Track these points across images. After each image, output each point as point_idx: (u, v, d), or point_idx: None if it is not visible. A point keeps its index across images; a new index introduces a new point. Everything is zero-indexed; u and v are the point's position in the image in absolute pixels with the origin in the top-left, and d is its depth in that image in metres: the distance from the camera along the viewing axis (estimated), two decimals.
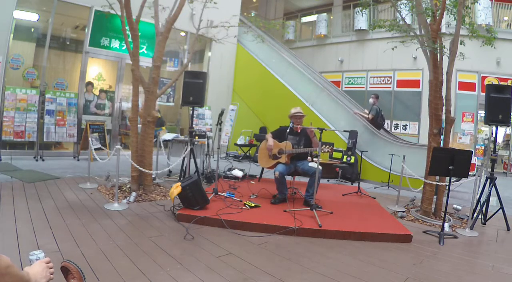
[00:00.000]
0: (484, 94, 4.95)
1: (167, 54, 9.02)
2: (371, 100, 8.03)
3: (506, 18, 10.57)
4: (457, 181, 5.61)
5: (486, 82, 9.82)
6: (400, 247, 3.48)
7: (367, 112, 8.08)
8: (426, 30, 4.67)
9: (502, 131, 10.37)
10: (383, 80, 11.62)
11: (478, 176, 4.30)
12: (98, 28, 7.46)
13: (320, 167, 4.23)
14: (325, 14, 13.48)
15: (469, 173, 3.97)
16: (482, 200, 4.48)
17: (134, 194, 4.46)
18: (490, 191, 4.44)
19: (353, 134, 7.47)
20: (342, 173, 6.90)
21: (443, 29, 5.82)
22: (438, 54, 4.59)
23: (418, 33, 4.92)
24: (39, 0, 7.22)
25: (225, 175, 6.11)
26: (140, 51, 5.23)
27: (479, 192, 4.50)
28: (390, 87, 11.47)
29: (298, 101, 8.64)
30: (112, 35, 7.70)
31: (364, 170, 7.35)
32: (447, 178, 3.88)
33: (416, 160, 6.22)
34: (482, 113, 9.53)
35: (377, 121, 7.86)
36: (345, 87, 12.30)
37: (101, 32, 7.53)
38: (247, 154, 9.35)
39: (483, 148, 10.30)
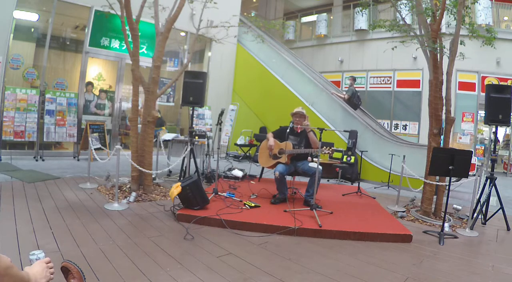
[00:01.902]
0: (484, 94, 4.96)
1: (167, 54, 9.02)
2: (348, 81, 8.69)
3: (506, 18, 10.57)
4: (457, 181, 5.61)
5: (486, 82, 9.82)
6: (400, 247, 3.48)
7: (344, 93, 8.61)
8: (426, 30, 4.67)
9: (501, 131, 10.38)
10: (383, 80, 11.62)
11: (478, 176, 4.30)
12: (98, 28, 7.46)
13: (320, 167, 4.23)
14: (325, 14, 13.48)
15: (469, 173, 3.97)
16: (482, 200, 4.48)
17: (134, 194, 4.46)
18: (490, 191, 4.44)
19: (353, 134, 7.47)
20: (342, 173, 6.90)
21: (443, 29, 5.83)
22: (438, 54, 4.59)
23: (418, 33, 4.92)
24: (39, 0, 7.22)
25: (225, 175, 6.11)
26: (140, 51, 5.23)
27: (479, 192, 4.50)
28: (390, 87, 11.47)
29: (298, 101, 8.64)
30: (112, 35, 7.70)
31: (364, 170, 7.35)
32: (447, 178, 3.88)
33: (416, 160, 6.23)
34: (482, 113, 9.53)
35: (353, 101, 8.44)
36: (345, 87, 12.24)
37: (101, 32, 7.53)
38: (247, 154, 9.35)
39: (483, 147, 10.30)
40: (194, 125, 5.89)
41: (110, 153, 5.01)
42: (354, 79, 8.83)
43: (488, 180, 4.49)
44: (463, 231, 4.07)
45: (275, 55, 9.98)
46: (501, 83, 9.26)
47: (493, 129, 4.66)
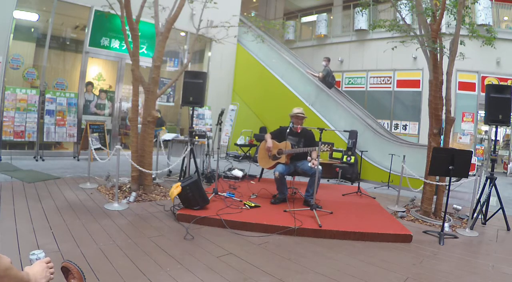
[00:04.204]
0: (484, 94, 4.96)
1: (167, 54, 9.02)
2: (323, 62, 9.09)
3: (506, 18, 10.56)
4: (457, 181, 5.61)
5: (486, 82, 9.82)
6: (400, 247, 3.48)
7: (319, 72, 9.06)
8: (426, 30, 4.67)
9: (499, 131, 10.38)
10: (383, 80, 11.62)
11: (478, 176, 4.30)
12: (98, 28, 7.45)
13: (320, 167, 4.23)
14: (325, 14, 13.48)
15: (469, 173, 3.97)
16: (482, 200, 4.48)
17: (134, 194, 4.46)
18: (490, 191, 4.44)
19: (353, 134, 7.47)
20: (342, 173, 6.91)
21: (443, 29, 5.83)
22: (438, 54, 4.59)
23: (418, 33, 4.92)
24: (39, 0, 7.22)
25: (225, 175, 6.11)
26: (140, 51, 5.23)
27: (479, 192, 4.50)
28: (390, 87, 11.47)
29: (298, 101, 8.64)
30: (112, 35, 7.70)
31: (364, 170, 7.35)
32: (447, 178, 3.88)
33: (416, 160, 6.23)
34: (482, 113, 9.53)
35: (327, 80, 8.89)
36: (345, 87, 12.30)
37: (101, 32, 7.53)
38: (247, 154, 9.35)
39: (482, 147, 10.30)
40: (194, 125, 5.89)
41: (110, 153, 5.01)
42: (328, 60, 9.24)
43: (488, 180, 4.49)
44: (463, 231, 4.07)
45: (275, 55, 9.97)
46: (501, 83, 9.26)
47: (493, 130, 4.66)
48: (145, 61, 7.23)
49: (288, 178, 5.01)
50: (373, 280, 2.69)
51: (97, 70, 8.66)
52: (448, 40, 4.74)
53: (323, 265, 2.90)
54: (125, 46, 6.66)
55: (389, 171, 6.78)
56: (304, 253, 3.14)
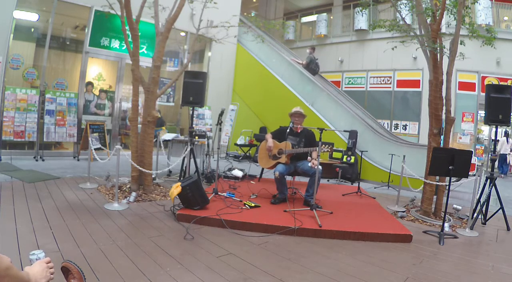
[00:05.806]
0: (484, 94, 4.96)
1: (167, 54, 9.02)
2: (307, 50, 9.72)
3: (506, 18, 10.57)
4: (457, 181, 5.61)
5: (486, 82, 9.82)
6: (400, 247, 3.48)
7: (303, 60, 9.57)
8: (426, 30, 4.67)
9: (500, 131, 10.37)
10: (383, 80, 11.62)
11: (478, 176, 4.30)
12: (98, 28, 7.46)
13: (320, 167, 4.22)
14: (325, 14, 13.48)
15: (469, 173, 3.97)
16: (482, 200, 4.48)
17: (134, 194, 4.46)
18: (490, 191, 4.44)
19: (353, 134, 7.47)
20: (342, 173, 6.90)
21: (443, 29, 5.83)
22: (438, 54, 4.59)
23: (418, 33, 4.92)
24: (39, 0, 7.22)
25: (225, 175, 6.11)
26: (140, 51, 5.23)
27: (479, 192, 4.50)
28: (390, 87, 11.47)
29: (298, 101, 8.64)
30: (112, 35, 7.70)
31: (364, 170, 7.35)
32: (447, 178, 3.88)
33: (416, 160, 6.23)
34: (482, 113, 9.53)
35: (311, 67, 9.42)
36: (345, 87, 12.31)
37: (101, 32, 7.53)
38: (247, 154, 9.35)
39: (482, 147, 10.31)
40: (194, 125, 5.89)
41: (110, 153, 5.01)
42: (313, 48, 9.79)
43: (488, 180, 4.49)
44: (463, 231, 4.07)
45: (275, 55, 9.98)
46: (501, 83, 9.27)
47: (493, 130, 4.67)
48: (145, 61, 7.23)
49: (288, 178, 5.01)
50: (373, 280, 2.69)
51: (97, 70, 8.66)
52: (448, 40, 4.74)
53: (323, 265, 2.90)
54: (125, 46, 6.66)
55: (389, 171, 6.78)
56: (304, 253, 3.14)
